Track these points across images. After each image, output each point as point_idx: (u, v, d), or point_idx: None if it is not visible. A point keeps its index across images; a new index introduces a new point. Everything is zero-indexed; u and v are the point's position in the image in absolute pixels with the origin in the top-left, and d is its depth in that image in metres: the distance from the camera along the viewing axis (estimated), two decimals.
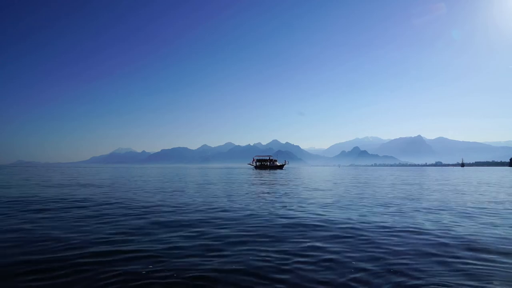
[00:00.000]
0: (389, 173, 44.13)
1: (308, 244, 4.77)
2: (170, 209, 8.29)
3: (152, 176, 31.04)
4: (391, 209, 8.37)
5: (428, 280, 3.40)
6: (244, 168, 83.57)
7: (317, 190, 14.38)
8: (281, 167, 74.85)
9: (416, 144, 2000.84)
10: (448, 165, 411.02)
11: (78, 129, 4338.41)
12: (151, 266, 3.75)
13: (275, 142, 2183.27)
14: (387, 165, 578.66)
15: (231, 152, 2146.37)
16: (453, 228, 5.95)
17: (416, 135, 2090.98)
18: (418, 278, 3.44)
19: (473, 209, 8.46)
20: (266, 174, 38.08)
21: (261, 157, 75.98)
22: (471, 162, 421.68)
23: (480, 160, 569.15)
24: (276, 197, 11.27)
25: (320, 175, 35.68)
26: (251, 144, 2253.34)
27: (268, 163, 73.71)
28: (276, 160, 74.39)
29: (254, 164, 75.72)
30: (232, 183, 20.28)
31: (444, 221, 6.66)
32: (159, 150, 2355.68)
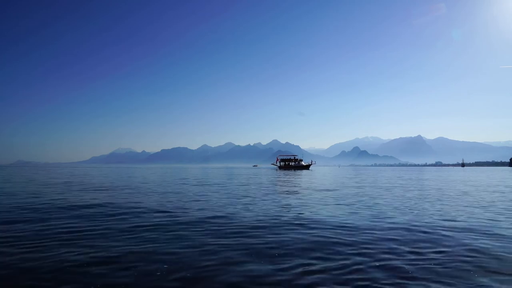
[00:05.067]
0: (417, 176, 36.00)
1: None
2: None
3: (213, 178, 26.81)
4: None
5: None
6: (249, 168, 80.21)
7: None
8: (307, 167, 71.69)
9: (416, 144, 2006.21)
10: (448, 165, 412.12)
11: (78, 129, 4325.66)
12: None
13: (275, 142, 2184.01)
14: (387, 165, 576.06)
15: (231, 152, 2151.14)
16: None
17: (416, 135, 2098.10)
18: None
19: None
20: (304, 174, 35.04)
21: (285, 157, 74.08)
22: (471, 162, 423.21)
23: (480, 160, 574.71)
24: None
25: (363, 178, 29.05)
26: (251, 144, 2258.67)
27: (292, 163, 71.79)
28: (301, 160, 72.36)
29: (278, 164, 74.51)
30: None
31: None
32: (159, 150, 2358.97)
